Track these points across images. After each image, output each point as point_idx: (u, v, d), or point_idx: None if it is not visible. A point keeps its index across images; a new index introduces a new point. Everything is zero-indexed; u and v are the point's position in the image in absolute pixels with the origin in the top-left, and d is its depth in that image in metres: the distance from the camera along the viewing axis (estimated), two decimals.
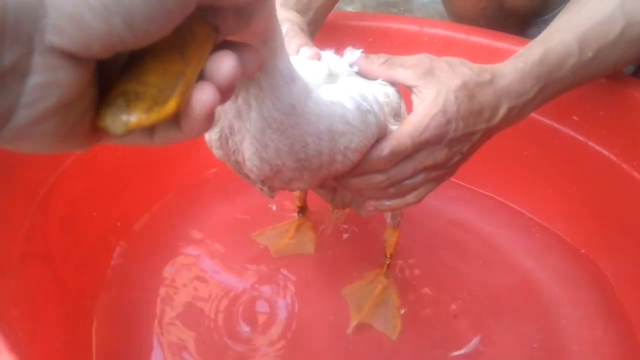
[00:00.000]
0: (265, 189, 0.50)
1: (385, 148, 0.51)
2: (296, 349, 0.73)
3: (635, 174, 0.81)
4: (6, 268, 0.54)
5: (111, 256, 0.80)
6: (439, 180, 0.60)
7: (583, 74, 0.64)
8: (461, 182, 1.01)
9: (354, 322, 0.76)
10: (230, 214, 0.93)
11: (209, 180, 0.98)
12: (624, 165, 0.83)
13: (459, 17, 1.06)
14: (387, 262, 0.80)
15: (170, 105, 0.25)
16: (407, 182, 0.57)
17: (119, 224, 0.83)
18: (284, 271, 0.84)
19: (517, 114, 0.59)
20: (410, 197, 0.59)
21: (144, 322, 0.74)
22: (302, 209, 0.90)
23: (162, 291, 0.79)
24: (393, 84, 0.57)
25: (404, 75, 0.54)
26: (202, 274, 0.82)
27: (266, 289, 0.81)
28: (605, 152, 0.85)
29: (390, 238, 0.77)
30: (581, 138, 0.88)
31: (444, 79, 0.54)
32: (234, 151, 0.44)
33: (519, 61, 0.59)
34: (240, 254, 0.86)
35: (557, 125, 0.91)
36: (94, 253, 0.77)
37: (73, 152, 0.74)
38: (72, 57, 0.22)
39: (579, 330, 0.79)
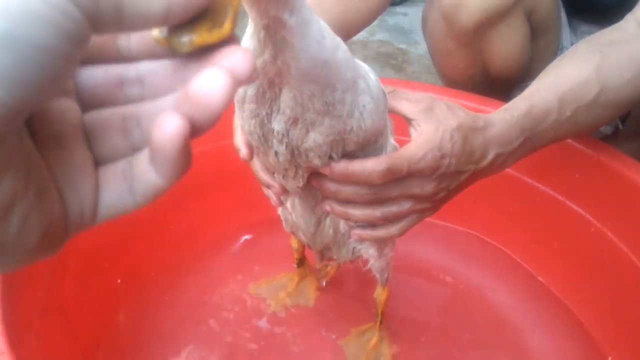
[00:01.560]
0: (281, 151, 0.54)
1: (384, 162, 0.55)
2: None
3: (609, 233, 0.88)
4: (28, 325, 0.60)
5: (120, 304, 0.86)
6: (422, 214, 0.64)
7: (562, 130, 0.71)
8: (456, 227, 1.08)
9: None
10: (231, 266, 0.98)
11: (211, 239, 1.04)
12: (598, 224, 0.89)
13: (449, 80, 1.15)
14: (379, 319, 0.85)
15: (227, 27, 0.28)
16: (393, 208, 0.61)
17: (127, 273, 0.89)
18: (283, 321, 0.89)
19: (502, 161, 0.65)
20: (393, 229, 0.63)
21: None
22: (301, 261, 0.95)
23: (167, 338, 0.84)
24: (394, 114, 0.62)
25: (407, 107, 0.60)
26: (202, 326, 0.87)
27: (265, 340, 0.86)
28: (581, 211, 0.92)
29: (380, 297, 0.82)
30: (560, 197, 0.94)
31: (442, 118, 0.59)
32: (270, 102, 0.51)
33: (506, 114, 0.66)
34: (237, 305, 0.91)
35: (539, 185, 0.97)
36: (104, 302, 0.83)
37: None
38: None
39: None
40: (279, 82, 0.49)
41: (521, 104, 0.67)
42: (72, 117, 0.26)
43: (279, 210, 0.78)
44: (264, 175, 0.65)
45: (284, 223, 0.80)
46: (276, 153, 0.55)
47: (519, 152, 0.67)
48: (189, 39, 0.27)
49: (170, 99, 0.27)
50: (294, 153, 0.54)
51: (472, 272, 1.01)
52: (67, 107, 0.26)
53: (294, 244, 0.91)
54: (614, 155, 0.88)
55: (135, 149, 0.27)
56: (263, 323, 0.89)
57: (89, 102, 0.27)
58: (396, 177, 0.57)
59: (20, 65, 0.19)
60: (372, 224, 0.63)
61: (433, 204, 0.63)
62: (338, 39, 0.50)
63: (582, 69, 0.72)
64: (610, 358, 0.86)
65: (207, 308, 0.91)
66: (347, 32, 0.90)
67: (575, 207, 0.92)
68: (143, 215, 0.91)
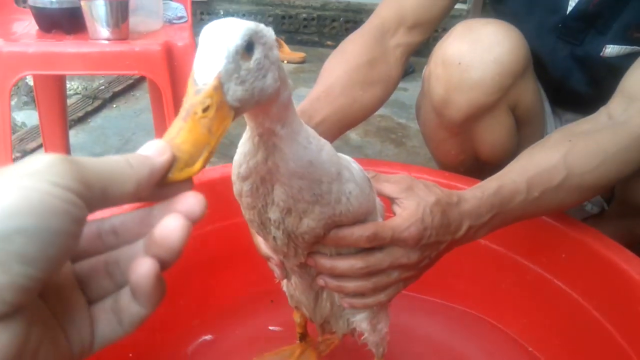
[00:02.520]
0: (279, 236, 0.61)
1: (370, 228, 0.62)
2: None
3: (595, 313, 0.93)
4: None
5: None
6: (407, 281, 0.71)
7: (530, 209, 0.79)
8: (452, 304, 1.14)
9: None
10: (239, 337, 1.04)
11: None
12: (585, 303, 0.95)
13: (442, 164, 1.23)
14: None
15: (197, 167, 0.36)
16: (384, 277, 0.67)
17: (140, 348, 0.94)
18: None
19: (474, 232, 0.73)
20: (382, 296, 0.70)
21: None
22: (303, 335, 1.00)
23: None
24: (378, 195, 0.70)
25: (389, 188, 0.68)
26: None
27: None
28: (568, 289, 0.97)
29: None
30: (548, 276, 1.00)
31: (422, 195, 0.67)
32: (264, 196, 0.58)
33: (477, 191, 0.74)
34: None
35: (528, 263, 1.04)
36: None
37: None
38: (1, 318, 0.25)
39: None
40: (270, 179, 0.57)
41: (492, 184, 0.76)
42: (66, 269, 0.34)
43: (284, 287, 0.84)
44: (265, 250, 0.73)
45: (289, 299, 0.86)
46: (274, 238, 0.62)
47: (489, 225, 0.75)
48: (170, 178, 0.35)
49: (141, 243, 0.34)
50: (291, 237, 0.61)
51: (466, 345, 1.06)
52: None
53: (297, 318, 0.95)
54: (597, 236, 0.94)
55: (119, 286, 0.34)
56: None
57: (76, 253, 0.34)
58: (381, 243, 0.65)
59: (45, 248, 0.25)
60: (363, 294, 0.70)
61: (417, 271, 0.71)
62: (323, 142, 0.59)
63: (551, 155, 0.82)
64: None
65: None
66: (351, 120, 0.98)
67: (562, 285, 0.98)
68: None
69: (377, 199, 0.70)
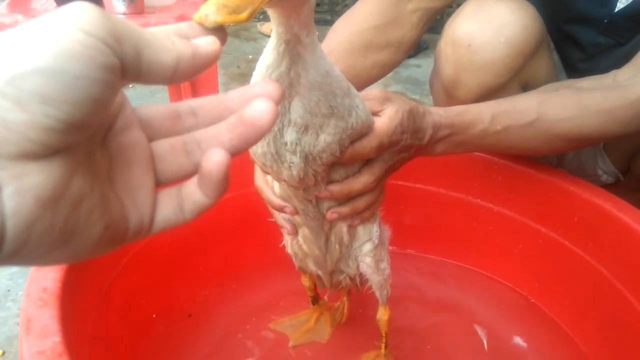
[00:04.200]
0: (296, 162, 0.64)
1: (374, 138, 0.69)
2: None
3: (604, 271, 0.94)
4: (80, 350, 0.68)
5: (155, 336, 0.95)
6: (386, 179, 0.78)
7: (490, 140, 0.84)
8: (466, 265, 1.16)
9: None
10: (256, 302, 1.07)
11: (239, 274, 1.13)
12: (595, 263, 0.96)
13: None
14: (384, 342, 0.92)
15: (244, 15, 0.37)
16: (382, 182, 0.75)
17: (162, 309, 0.98)
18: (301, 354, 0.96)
19: (433, 144, 0.79)
20: (381, 197, 0.77)
21: None
22: (315, 299, 1.03)
23: None
24: None
25: (371, 104, 0.73)
26: (231, 354, 0.95)
27: None
28: (579, 251, 0.99)
29: (383, 317, 0.89)
30: (559, 238, 1.02)
31: (400, 103, 0.73)
32: (281, 116, 0.61)
33: (442, 110, 0.80)
34: (262, 339, 1.00)
35: (540, 227, 1.05)
36: (141, 334, 0.92)
37: (130, 249, 0.91)
38: (35, 158, 0.25)
39: None
40: (289, 94, 0.60)
41: (458, 108, 0.82)
42: (140, 146, 0.33)
43: (289, 249, 0.88)
44: (276, 200, 0.76)
45: (294, 259, 0.89)
46: (290, 166, 0.65)
47: (447, 142, 0.80)
48: (213, 19, 0.36)
49: (223, 124, 0.34)
50: (308, 159, 0.64)
51: (478, 308, 1.08)
52: (135, 137, 0.32)
53: (305, 282, 0.98)
54: (607, 197, 0.96)
55: (196, 166, 0.34)
56: (284, 355, 0.97)
57: (155, 133, 0.34)
58: (383, 149, 0.71)
59: (66, 91, 0.25)
60: (371, 206, 0.76)
61: (392, 172, 0.78)
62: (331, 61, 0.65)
63: (529, 98, 0.87)
64: None
65: (235, 340, 0.99)
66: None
67: (574, 247, 1.00)
68: (176, 257, 1.01)
69: None
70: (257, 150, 0.66)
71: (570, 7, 1.04)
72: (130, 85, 2.33)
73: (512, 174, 1.07)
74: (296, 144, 0.63)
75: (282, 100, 0.60)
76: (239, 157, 0.84)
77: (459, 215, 1.15)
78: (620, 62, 0.94)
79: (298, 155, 0.64)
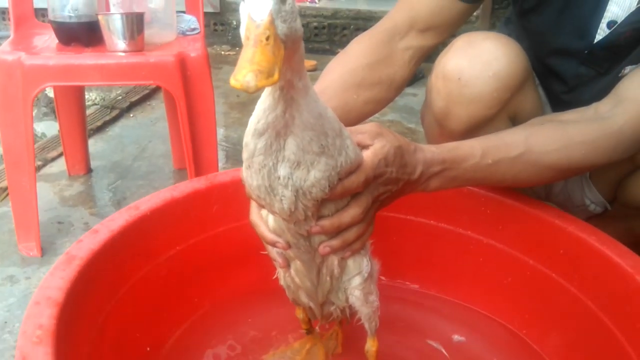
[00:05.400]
0: (287, 196, 0.69)
1: (361, 174, 0.73)
2: None
3: (589, 302, 0.96)
4: None
5: None
6: (376, 212, 0.82)
7: (482, 174, 0.89)
8: (455, 300, 1.18)
9: None
10: (248, 333, 1.09)
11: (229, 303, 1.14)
12: (580, 295, 0.98)
13: None
14: None
15: (276, 77, 0.49)
16: (370, 213, 0.78)
17: (156, 343, 1.00)
18: None
19: (426, 179, 0.84)
20: (370, 228, 0.81)
21: None
22: (309, 330, 1.05)
23: None
24: None
25: (362, 138, 0.77)
26: None
27: None
28: (565, 283, 1.01)
29: (371, 348, 0.91)
30: (546, 270, 1.04)
31: (388, 139, 0.77)
32: (276, 153, 0.66)
33: (433, 147, 0.85)
34: None
35: (527, 259, 1.07)
36: None
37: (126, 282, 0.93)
38: None
39: None
40: (284, 133, 0.65)
41: (451, 144, 0.88)
42: None
43: (281, 281, 0.91)
44: (269, 234, 0.80)
45: (287, 291, 0.92)
46: (281, 199, 0.69)
47: (441, 177, 0.85)
48: (254, 84, 0.48)
49: None
50: (298, 193, 0.69)
51: (469, 342, 1.10)
52: None
53: (299, 314, 1.00)
54: (592, 232, 0.98)
55: None
56: None
57: None
58: (369, 183, 0.76)
59: None
60: (361, 238, 0.80)
61: (381, 203, 0.81)
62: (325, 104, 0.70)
63: (516, 132, 0.93)
64: None
65: None
66: (344, 123, 1.02)
67: (560, 280, 1.02)
68: (170, 289, 1.03)
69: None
70: (253, 183, 0.70)
71: (552, 41, 1.09)
72: (131, 115, 2.37)
73: (500, 207, 1.09)
74: (288, 178, 0.68)
75: (278, 139, 0.66)
76: (236, 191, 0.89)
77: (449, 247, 1.18)
78: (601, 93, 0.99)
79: (289, 189, 0.69)
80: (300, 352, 1.04)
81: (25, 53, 1.34)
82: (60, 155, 1.95)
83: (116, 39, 1.36)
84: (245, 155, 0.69)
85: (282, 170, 0.67)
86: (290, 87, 0.62)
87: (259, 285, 1.14)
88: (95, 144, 2.10)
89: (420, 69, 2.88)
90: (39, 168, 1.89)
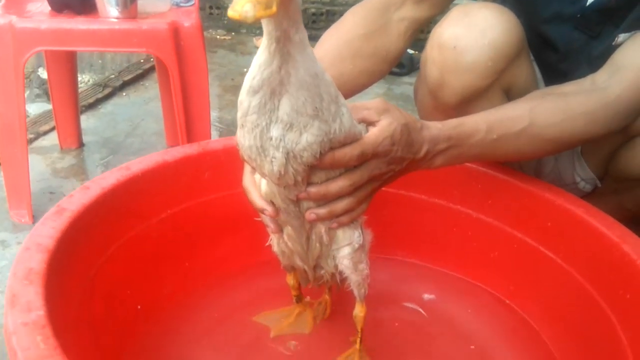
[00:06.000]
0: (278, 158, 0.68)
1: (357, 147, 0.72)
2: None
3: (574, 273, 0.98)
4: (64, 328, 0.70)
5: (139, 327, 0.97)
6: (376, 191, 0.81)
7: (487, 149, 0.90)
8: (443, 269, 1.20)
9: None
10: (239, 298, 1.10)
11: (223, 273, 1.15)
12: (566, 266, 0.99)
13: None
14: (359, 337, 0.94)
15: (274, 9, 0.49)
16: (363, 191, 0.77)
17: (147, 302, 1.00)
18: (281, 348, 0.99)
19: (431, 158, 0.83)
20: (363, 206, 0.80)
21: None
22: (299, 297, 1.06)
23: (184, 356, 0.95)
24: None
25: (369, 114, 0.76)
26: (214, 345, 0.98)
27: None
28: (552, 255, 1.02)
29: (359, 314, 0.92)
30: (533, 243, 1.05)
31: (396, 116, 0.76)
32: (269, 112, 0.65)
33: (439, 124, 0.84)
34: (244, 331, 1.02)
35: (516, 232, 1.09)
36: (126, 324, 0.94)
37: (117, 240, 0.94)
38: None
39: None
40: (279, 91, 0.64)
41: (455, 121, 0.87)
42: None
43: (275, 247, 0.91)
44: (258, 201, 0.80)
45: (280, 257, 0.93)
46: (272, 161, 0.69)
47: (446, 155, 0.85)
48: (252, 14, 0.48)
49: None
50: (289, 156, 0.68)
51: (449, 305, 1.12)
52: None
53: (290, 281, 1.01)
54: (579, 204, 1.00)
55: None
56: (266, 345, 0.99)
57: None
58: (366, 159, 0.74)
59: None
60: (349, 212, 0.79)
61: (383, 182, 0.81)
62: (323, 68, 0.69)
63: (518, 106, 0.93)
64: None
65: (219, 331, 1.02)
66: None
67: (546, 251, 1.03)
68: (162, 251, 1.04)
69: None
70: (245, 143, 0.70)
71: (545, 7, 1.10)
72: (124, 94, 2.36)
73: (490, 182, 1.11)
74: (280, 139, 0.67)
75: (273, 97, 0.65)
76: (228, 159, 0.89)
77: (439, 222, 1.19)
78: (594, 62, 1.01)
79: (281, 150, 0.68)
80: (289, 317, 1.05)
81: (17, 16, 1.34)
82: (52, 129, 1.94)
83: (109, 6, 1.36)
84: (239, 113, 0.69)
85: (275, 131, 0.67)
86: (287, 40, 0.61)
87: (249, 254, 1.15)
88: (87, 120, 2.09)
89: (417, 58, 2.89)
90: (31, 141, 1.88)
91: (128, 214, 0.97)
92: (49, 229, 0.78)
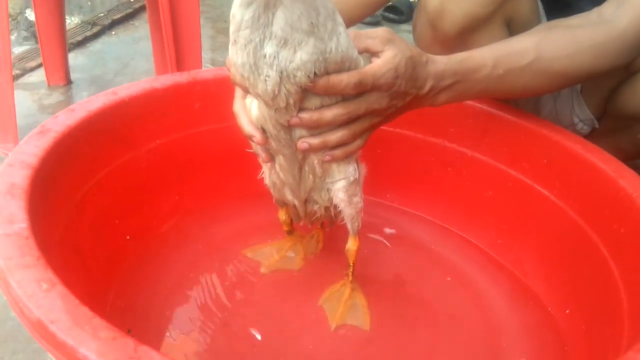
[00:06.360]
0: (271, 76, 0.65)
1: (356, 75, 0.68)
2: (289, 346, 0.86)
3: (570, 211, 0.96)
4: (48, 246, 0.68)
5: (128, 256, 0.96)
6: (375, 127, 0.78)
7: (493, 85, 0.86)
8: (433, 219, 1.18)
9: (332, 326, 0.90)
10: (228, 231, 1.09)
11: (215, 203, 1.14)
12: (561, 204, 0.98)
13: None
14: (351, 270, 0.94)
15: None
16: (359, 124, 0.74)
17: (136, 232, 0.99)
18: (271, 284, 0.98)
19: (435, 93, 0.80)
20: (359, 141, 0.77)
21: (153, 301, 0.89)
22: (290, 231, 1.05)
23: (174, 286, 0.94)
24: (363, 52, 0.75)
25: (373, 43, 0.72)
26: (203, 278, 0.97)
27: (257, 299, 0.95)
28: (546, 192, 1.01)
29: (352, 247, 0.91)
30: (528, 181, 1.04)
31: (401, 47, 0.72)
32: (263, 27, 0.62)
33: (445, 58, 0.80)
34: (233, 265, 1.01)
35: (510, 170, 1.07)
36: (115, 252, 0.93)
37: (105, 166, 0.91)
38: None
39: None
40: (273, 3, 0.61)
41: (461, 55, 0.83)
42: None
43: (267, 179, 0.89)
44: (247, 126, 0.77)
45: (272, 190, 0.91)
46: (265, 80, 0.66)
47: (450, 91, 0.81)
48: None
49: None
50: (283, 75, 0.65)
51: (445, 254, 1.11)
52: None
53: (282, 216, 1.00)
54: (576, 140, 0.98)
55: None
56: (254, 282, 0.98)
57: None
58: (364, 89, 0.70)
59: None
60: (343, 144, 0.76)
61: (383, 118, 0.77)
62: None
63: (525, 39, 0.89)
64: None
65: (208, 264, 1.01)
66: (348, 17, 0.98)
67: (542, 189, 1.02)
68: (151, 181, 1.01)
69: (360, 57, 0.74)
70: (238, 61, 0.67)
71: None
72: (113, 33, 2.29)
73: (486, 118, 1.08)
74: (274, 57, 0.64)
75: (267, 11, 0.62)
76: (219, 92, 0.85)
77: (434, 161, 1.17)
78: None
79: (274, 69, 0.65)
80: (280, 251, 1.04)
81: None
82: (39, 66, 1.89)
83: None
84: (231, 28, 0.65)
85: (269, 48, 0.64)
86: None
87: (241, 188, 1.13)
88: (75, 58, 2.03)
89: (415, 5, 2.83)
90: (17, 77, 1.84)
91: (115, 140, 0.94)
92: (32, 147, 0.75)
